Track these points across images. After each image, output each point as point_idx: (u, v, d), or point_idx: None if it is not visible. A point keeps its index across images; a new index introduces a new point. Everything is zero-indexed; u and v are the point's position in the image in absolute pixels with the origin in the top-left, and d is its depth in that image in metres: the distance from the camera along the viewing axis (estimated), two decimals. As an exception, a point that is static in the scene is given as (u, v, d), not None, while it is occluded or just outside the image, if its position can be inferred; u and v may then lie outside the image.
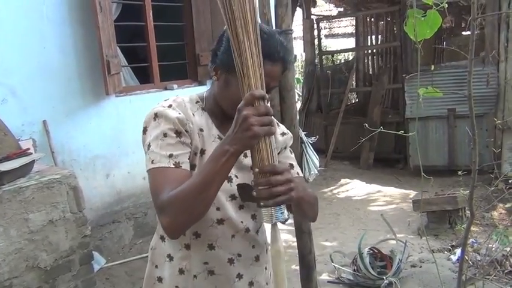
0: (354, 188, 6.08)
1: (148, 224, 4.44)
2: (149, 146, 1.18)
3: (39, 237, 2.74)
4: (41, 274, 2.76)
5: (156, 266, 1.35)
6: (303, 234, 2.46)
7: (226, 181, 1.21)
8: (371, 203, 5.44)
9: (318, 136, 2.65)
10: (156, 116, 1.20)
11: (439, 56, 8.35)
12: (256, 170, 1.02)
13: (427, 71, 4.96)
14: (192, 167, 1.21)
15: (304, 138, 2.39)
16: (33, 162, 2.88)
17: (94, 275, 3.14)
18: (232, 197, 1.26)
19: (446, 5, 2.14)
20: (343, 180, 6.37)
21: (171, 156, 1.15)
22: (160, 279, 1.34)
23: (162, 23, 4.58)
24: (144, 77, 4.85)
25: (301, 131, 2.42)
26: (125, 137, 4.20)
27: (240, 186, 1.17)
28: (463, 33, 8.91)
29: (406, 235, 4.19)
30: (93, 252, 3.14)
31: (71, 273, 2.91)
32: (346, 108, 7.52)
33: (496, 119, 4.51)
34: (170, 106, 1.22)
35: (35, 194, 2.70)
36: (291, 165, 1.37)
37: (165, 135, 1.17)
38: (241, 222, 1.29)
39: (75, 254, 2.92)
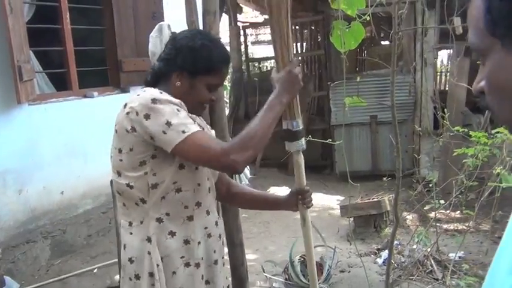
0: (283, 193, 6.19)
1: (67, 242, 4.20)
2: (169, 122, 1.34)
3: None
4: None
5: (149, 253, 1.46)
6: (235, 247, 2.45)
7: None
8: (300, 209, 5.57)
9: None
10: (154, 100, 1.36)
11: (361, 65, 8.81)
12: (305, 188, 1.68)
13: (351, 80, 5.22)
14: None
15: (235, 148, 2.40)
16: None
17: (6, 302, 2.91)
18: (211, 170, 1.58)
19: (369, 17, 2.26)
20: (272, 188, 6.48)
21: (194, 122, 1.41)
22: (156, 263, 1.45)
23: (81, 26, 4.39)
24: (61, 84, 4.60)
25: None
26: (39, 149, 3.95)
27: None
28: (382, 42, 9.49)
29: (334, 241, 4.35)
30: (4, 276, 2.91)
31: (-21, 302, 2.67)
32: (273, 116, 7.66)
33: (416, 126, 4.85)
34: (162, 93, 1.41)
35: None
36: None
37: (178, 110, 1.37)
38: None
39: (-16, 281, 2.69)
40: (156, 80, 1.53)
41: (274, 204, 1.85)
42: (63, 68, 4.31)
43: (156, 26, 1.86)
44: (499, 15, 0.56)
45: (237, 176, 2.39)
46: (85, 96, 4.38)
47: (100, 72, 4.72)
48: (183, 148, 1.33)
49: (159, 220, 1.47)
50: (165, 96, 1.40)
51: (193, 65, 1.47)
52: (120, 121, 1.42)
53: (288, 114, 1.55)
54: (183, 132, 1.33)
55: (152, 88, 1.46)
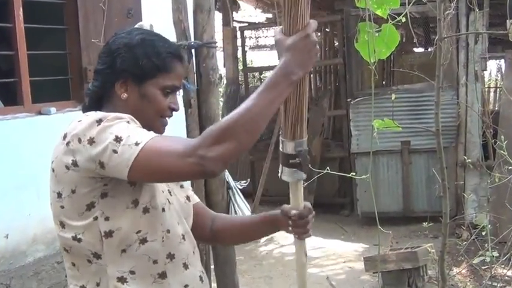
0: (290, 242, 6.11)
1: (11, 300, 4.11)
2: (118, 138, 1.29)
3: None
4: None
5: None
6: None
7: (170, 195, 1.52)
8: (312, 261, 5.48)
9: (249, 180, 2.63)
10: (100, 121, 1.34)
11: (389, 77, 8.85)
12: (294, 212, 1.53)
13: (376, 96, 5.22)
14: None
15: (232, 183, 2.36)
16: None
17: None
18: (182, 211, 1.56)
19: (404, 19, 2.25)
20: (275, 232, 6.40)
21: (149, 132, 1.34)
22: None
23: (36, 25, 4.39)
24: (9, 97, 4.58)
25: (227, 173, 2.39)
26: (-22, 180, 3.90)
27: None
28: (415, 49, 9.56)
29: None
30: None
31: None
32: (277, 140, 7.65)
33: (465, 157, 4.80)
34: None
35: None
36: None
37: (128, 122, 1.35)
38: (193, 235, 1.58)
39: None
40: (96, 102, 1.52)
41: (267, 224, 1.70)
42: (12, 77, 4.30)
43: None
44: None
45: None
46: (40, 113, 4.35)
47: (60, 82, 4.71)
48: (142, 165, 1.26)
49: (122, 280, 1.41)
50: (113, 114, 1.37)
51: (136, 66, 1.46)
52: (58, 156, 1.39)
53: (290, 131, 1.48)
54: (137, 144, 1.27)
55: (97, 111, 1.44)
